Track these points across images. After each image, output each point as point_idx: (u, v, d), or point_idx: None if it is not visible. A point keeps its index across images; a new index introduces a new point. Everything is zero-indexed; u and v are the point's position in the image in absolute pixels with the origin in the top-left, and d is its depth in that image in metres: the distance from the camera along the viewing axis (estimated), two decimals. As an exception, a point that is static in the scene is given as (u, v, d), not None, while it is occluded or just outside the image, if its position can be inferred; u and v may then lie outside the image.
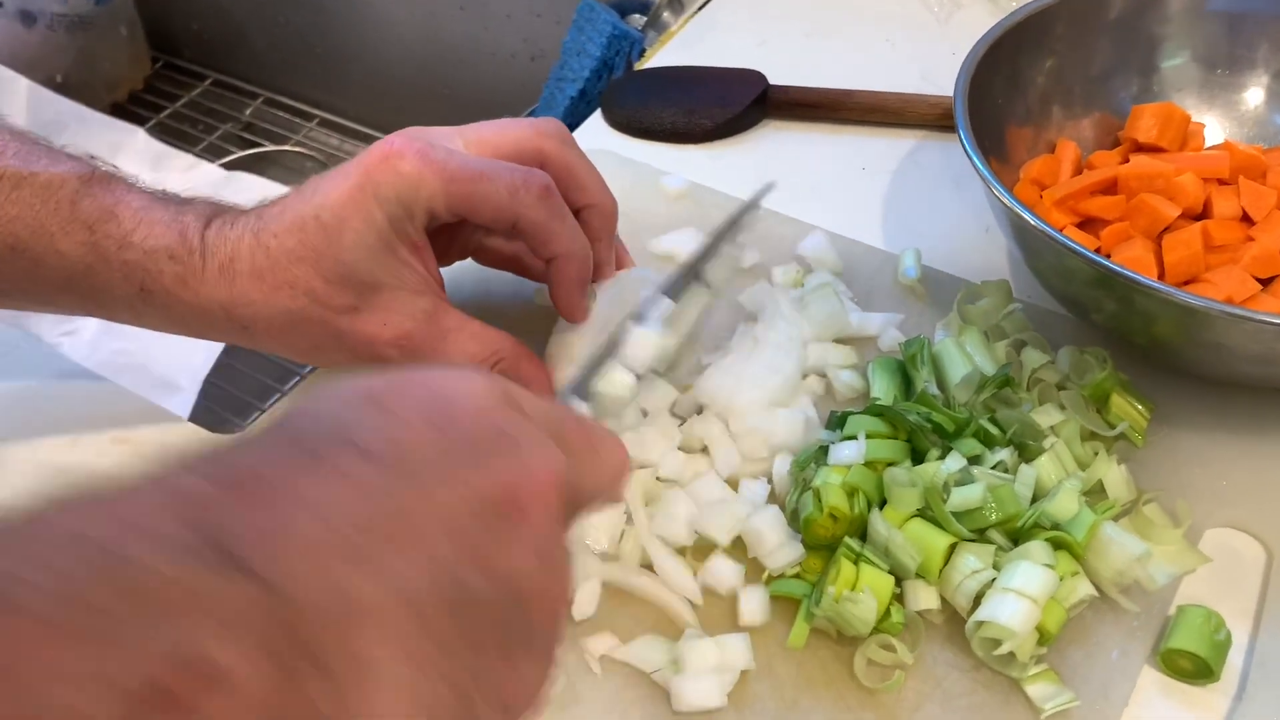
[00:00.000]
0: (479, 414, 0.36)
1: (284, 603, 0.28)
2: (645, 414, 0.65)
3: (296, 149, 1.64)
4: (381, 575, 0.30)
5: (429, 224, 0.60)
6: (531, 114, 1.25)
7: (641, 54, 1.10)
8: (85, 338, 1.15)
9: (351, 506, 0.31)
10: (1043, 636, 0.54)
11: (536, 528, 0.35)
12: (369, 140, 1.63)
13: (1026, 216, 0.62)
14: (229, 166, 1.52)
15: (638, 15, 1.16)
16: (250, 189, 1.49)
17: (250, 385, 1.16)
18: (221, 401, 1.14)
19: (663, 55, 1.00)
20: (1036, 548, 0.55)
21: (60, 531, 0.27)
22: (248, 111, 1.69)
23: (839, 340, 0.70)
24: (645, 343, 0.60)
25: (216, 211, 0.61)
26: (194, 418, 1.04)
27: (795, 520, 0.59)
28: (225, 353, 1.15)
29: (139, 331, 0.63)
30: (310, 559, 0.29)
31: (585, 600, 0.59)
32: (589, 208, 0.64)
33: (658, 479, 0.63)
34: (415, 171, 0.57)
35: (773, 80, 0.92)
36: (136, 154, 1.43)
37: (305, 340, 0.62)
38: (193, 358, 1.14)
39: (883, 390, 0.65)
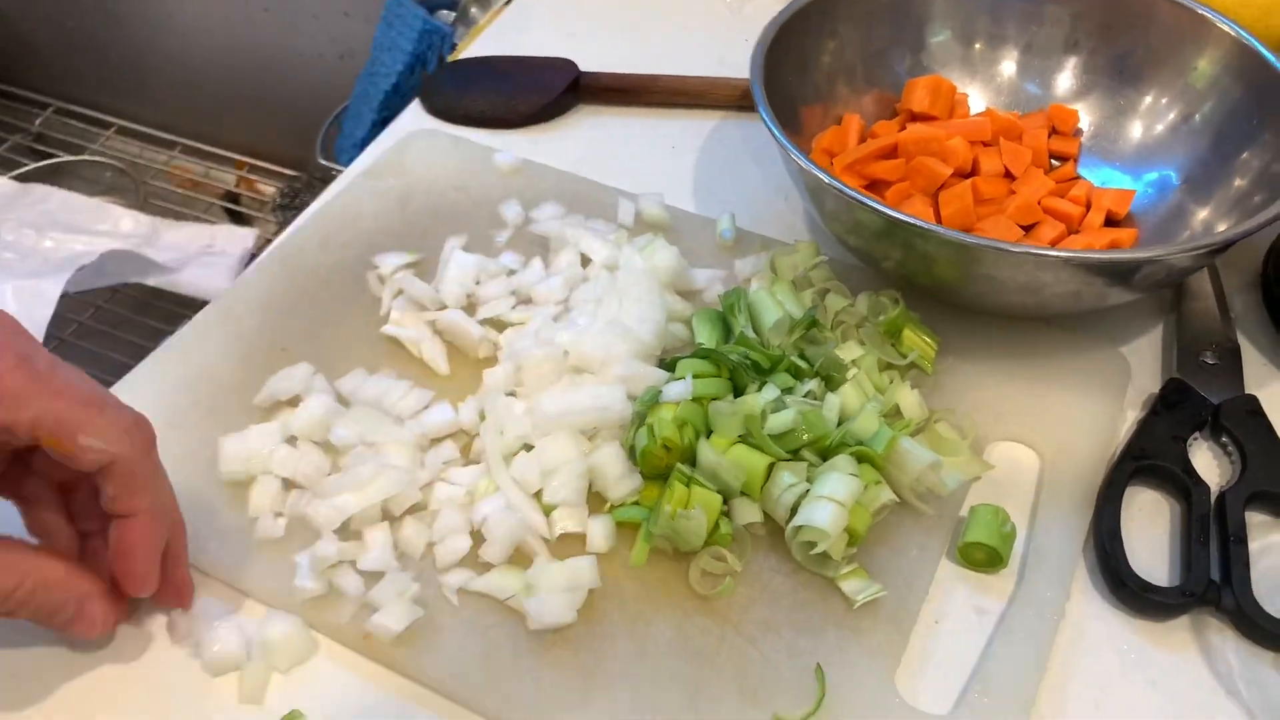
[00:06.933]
0: None
1: None
2: (515, 394, 0.68)
3: (95, 159, 1.60)
4: None
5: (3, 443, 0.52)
6: (344, 110, 1.26)
7: (453, 48, 1.14)
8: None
9: None
10: (852, 538, 0.61)
11: None
12: (172, 147, 1.61)
13: (820, 175, 0.69)
14: (20, 179, 1.47)
15: (446, 11, 1.20)
16: (46, 200, 1.44)
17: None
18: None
19: (474, 48, 1.04)
20: (843, 460, 0.62)
21: None
22: (38, 122, 1.63)
23: (678, 292, 0.76)
24: None
25: None
26: None
27: (634, 455, 0.64)
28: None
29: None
30: None
31: (452, 548, 0.62)
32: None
33: (527, 447, 0.66)
34: (11, 382, 0.49)
35: (583, 68, 0.97)
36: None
37: None
38: None
39: (706, 336, 0.71)
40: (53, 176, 1.52)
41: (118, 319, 1.37)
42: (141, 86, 1.61)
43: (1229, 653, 0.60)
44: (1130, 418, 0.71)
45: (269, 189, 1.58)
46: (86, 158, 1.59)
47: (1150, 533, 0.65)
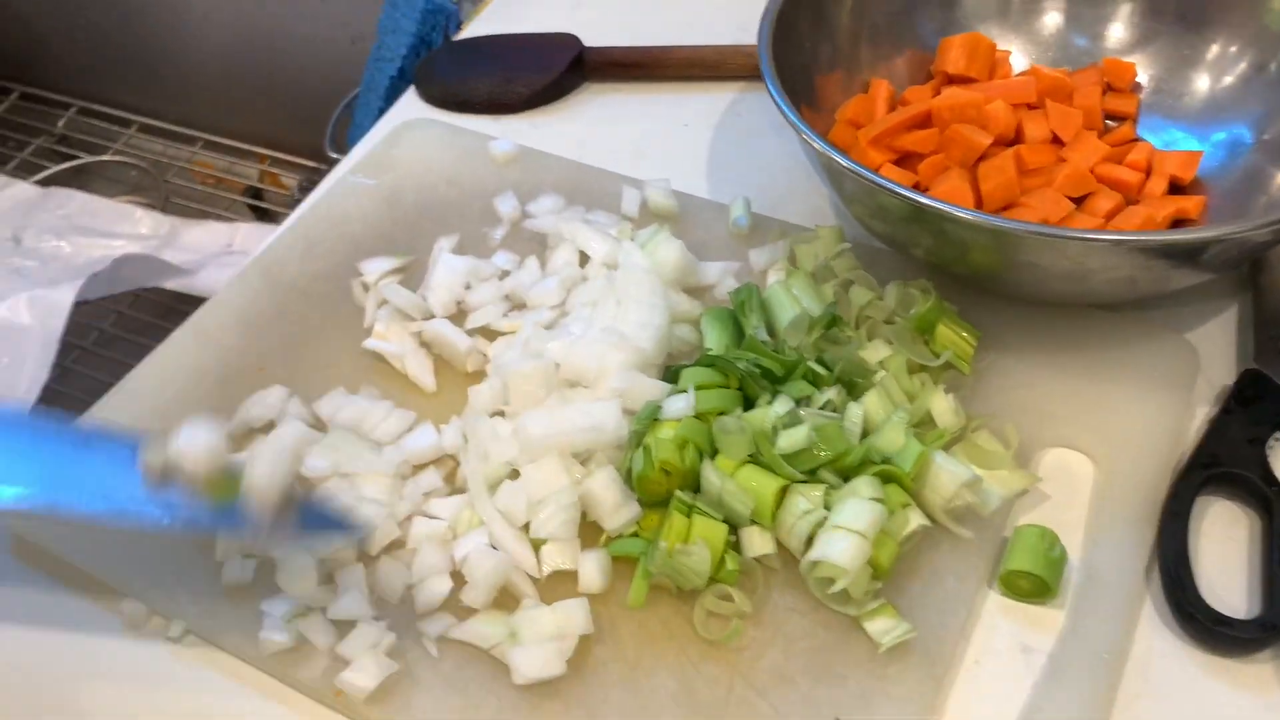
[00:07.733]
0: None
1: None
2: (503, 413, 0.62)
3: (118, 158, 1.56)
4: None
5: None
6: (355, 97, 1.21)
7: (458, 27, 1.07)
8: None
9: None
10: (877, 571, 0.54)
11: None
12: (193, 143, 1.57)
13: (834, 155, 0.62)
14: (45, 183, 1.44)
15: (452, -12, 1.13)
16: (66, 204, 1.41)
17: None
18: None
19: (478, 25, 0.97)
20: (863, 483, 0.55)
21: None
22: (60, 123, 1.60)
23: (686, 290, 0.69)
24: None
25: None
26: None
27: (631, 479, 0.58)
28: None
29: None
30: None
31: (432, 591, 0.56)
32: None
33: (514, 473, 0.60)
34: None
35: (591, 43, 0.90)
36: (-59, 181, 1.35)
37: None
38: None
39: (715, 341, 0.64)
40: (78, 178, 1.49)
41: (141, 325, 1.33)
42: (159, 81, 1.57)
43: (1321, 695, 0.52)
44: (1200, 416, 0.63)
45: (292, 182, 1.53)
46: (110, 158, 1.56)
47: (1225, 553, 0.57)
